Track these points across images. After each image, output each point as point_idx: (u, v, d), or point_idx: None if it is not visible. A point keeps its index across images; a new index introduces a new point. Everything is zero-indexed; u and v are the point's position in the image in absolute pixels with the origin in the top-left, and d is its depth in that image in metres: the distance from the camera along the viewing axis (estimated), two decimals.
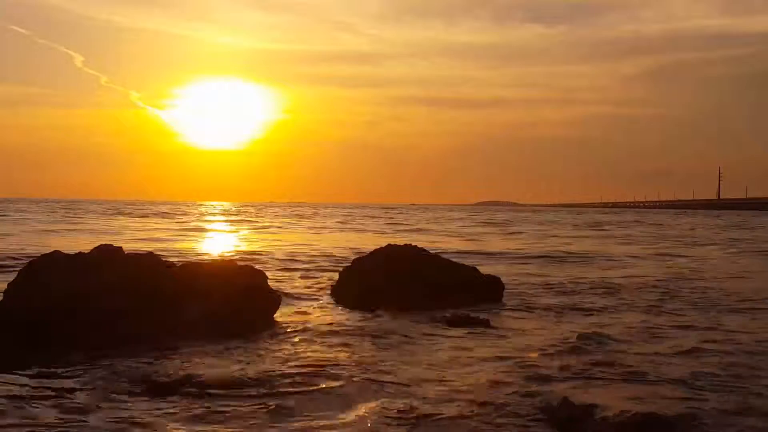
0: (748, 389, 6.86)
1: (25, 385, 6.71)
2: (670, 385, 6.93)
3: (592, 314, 11.48)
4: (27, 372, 7.14)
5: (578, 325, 10.34)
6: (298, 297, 12.83)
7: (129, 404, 6.17)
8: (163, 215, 65.14)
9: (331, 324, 10.11)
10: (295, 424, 5.74)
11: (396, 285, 12.28)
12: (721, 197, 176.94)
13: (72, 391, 6.54)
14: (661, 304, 12.68)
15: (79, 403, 6.18)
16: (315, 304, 12.22)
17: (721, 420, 5.90)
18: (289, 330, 9.55)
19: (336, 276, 13.81)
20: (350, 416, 5.94)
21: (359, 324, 10.13)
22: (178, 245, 26.02)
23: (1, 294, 8.80)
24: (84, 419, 5.78)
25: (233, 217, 64.82)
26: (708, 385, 6.93)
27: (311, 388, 6.76)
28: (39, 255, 9.25)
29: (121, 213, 68.19)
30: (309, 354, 8.18)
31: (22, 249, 21.04)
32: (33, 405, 6.11)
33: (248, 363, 7.66)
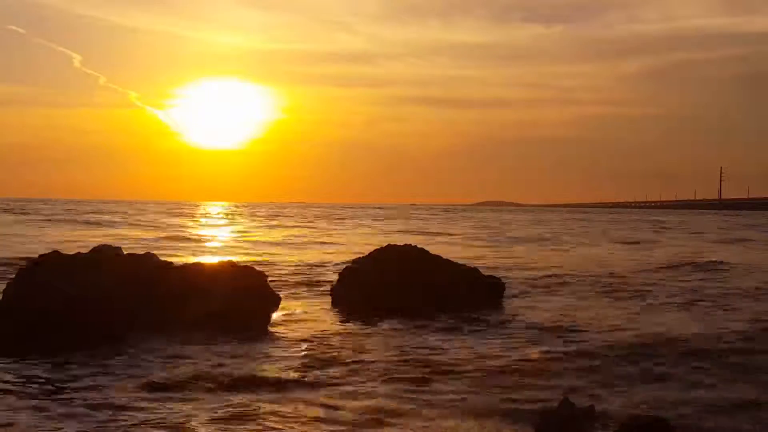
0: None
1: (26, 384, 6.69)
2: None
3: None
4: (27, 372, 7.12)
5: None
6: (299, 296, 12.81)
7: (129, 403, 6.14)
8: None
9: (329, 324, 10.10)
10: (296, 427, 5.73)
11: (396, 285, 12.24)
12: (722, 197, 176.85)
13: (73, 390, 6.52)
14: None
15: (80, 401, 6.16)
16: (315, 303, 12.20)
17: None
18: (288, 330, 9.53)
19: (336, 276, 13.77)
20: (347, 417, 5.92)
21: (357, 325, 10.12)
22: None
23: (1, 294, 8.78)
24: (86, 418, 5.76)
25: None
26: None
27: (310, 390, 6.74)
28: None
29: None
30: (308, 354, 8.16)
31: None
32: (34, 405, 6.09)
33: (247, 363, 7.63)
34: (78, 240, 23.78)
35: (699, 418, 5.99)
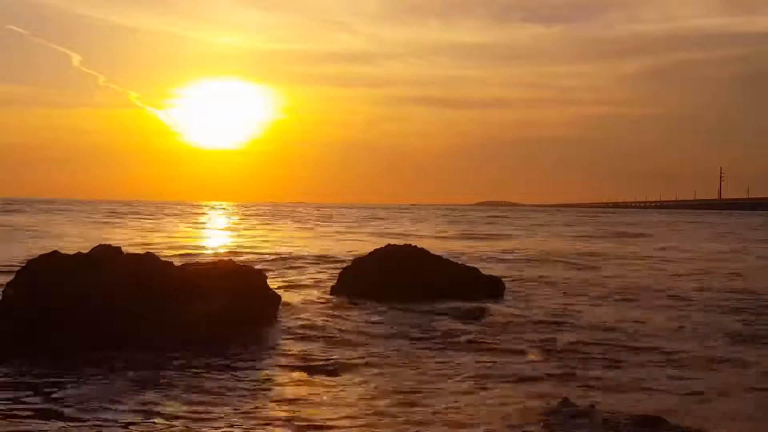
0: None
1: (26, 385, 6.71)
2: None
3: None
4: (27, 372, 7.13)
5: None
6: (298, 296, 12.81)
7: (129, 402, 6.15)
8: None
9: (329, 325, 10.10)
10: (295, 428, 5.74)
11: (396, 285, 12.28)
12: (722, 197, 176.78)
13: (73, 389, 6.53)
14: None
15: (80, 401, 6.17)
16: (315, 303, 12.20)
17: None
18: (288, 330, 9.54)
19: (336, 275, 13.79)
20: (350, 423, 5.94)
21: (358, 325, 10.12)
22: None
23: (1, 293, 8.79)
24: (85, 419, 5.77)
25: None
26: None
27: (312, 390, 6.76)
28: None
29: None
30: (309, 354, 8.17)
31: None
32: (33, 404, 6.11)
33: (247, 365, 7.64)
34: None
35: (698, 413, 5.99)
